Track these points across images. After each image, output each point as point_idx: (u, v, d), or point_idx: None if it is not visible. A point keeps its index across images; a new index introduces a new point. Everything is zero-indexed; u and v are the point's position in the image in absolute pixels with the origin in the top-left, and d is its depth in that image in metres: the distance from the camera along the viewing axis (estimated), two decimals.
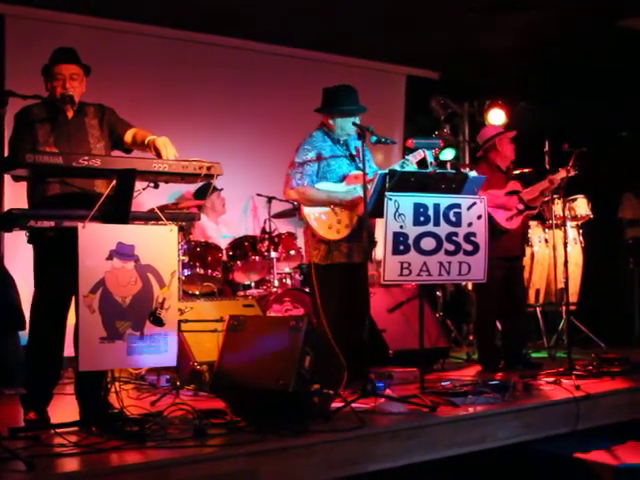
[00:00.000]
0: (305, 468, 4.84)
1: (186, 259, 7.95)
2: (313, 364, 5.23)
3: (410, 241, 5.91)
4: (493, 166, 7.99)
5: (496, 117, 11.03)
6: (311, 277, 6.68)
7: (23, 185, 5.46)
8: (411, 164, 6.61)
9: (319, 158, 6.61)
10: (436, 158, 6.70)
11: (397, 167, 6.49)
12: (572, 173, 7.93)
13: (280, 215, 9.32)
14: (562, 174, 7.97)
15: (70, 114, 5.56)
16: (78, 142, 5.50)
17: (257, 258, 8.45)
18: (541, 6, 9.19)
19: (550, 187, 8.11)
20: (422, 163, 6.65)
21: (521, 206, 7.87)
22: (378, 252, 6.57)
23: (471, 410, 5.76)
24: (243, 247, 8.47)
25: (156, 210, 5.15)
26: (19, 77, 8.32)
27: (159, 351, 5.02)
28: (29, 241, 5.33)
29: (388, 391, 5.97)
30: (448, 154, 10.82)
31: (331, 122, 6.67)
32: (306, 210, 6.62)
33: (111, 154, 5.62)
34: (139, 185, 5.09)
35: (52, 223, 4.93)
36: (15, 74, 8.58)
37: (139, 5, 9.00)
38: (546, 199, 8.65)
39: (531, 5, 9.14)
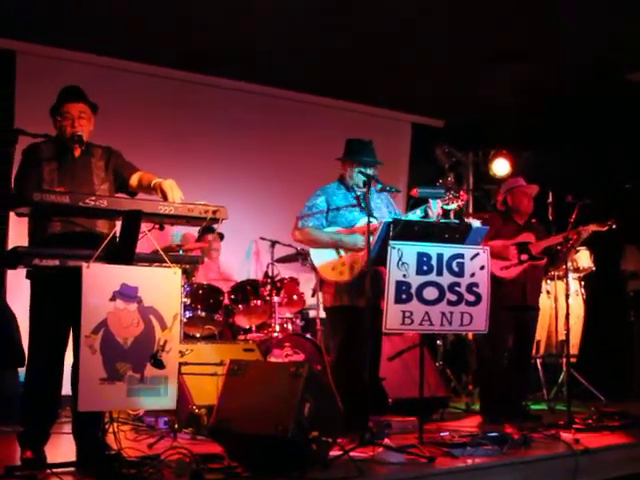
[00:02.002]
0: None
1: (188, 301, 7.96)
2: (313, 411, 5.20)
3: (413, 290, 5.91)
4: (506, 218, 8.01)
5: (500, 167, 11.07)
6: (326, 321, 6.76)
7: (24, 220, 5.46)
8: (416, 215, 6.62)
9: (329, 206, 6.66)
10: (446, 211, 6.71)
11: (417, 216, 6.53)
12: (604, 228, 7.97)
13: (283, 260, 9.32)
14: (593, 228, 7.98)
15: (77, 153, 5.59)
16: (82, 182, 5.52)
17: (259, 302, 8.46)
18: (544, 57, 9.27)
19: (579, 239, 8.06)
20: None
21: (524, 256, 7.86)
22: None
23: (470, 462, 5.72)
24: (245, 291, 8.48)
25: (160, 252, 5.15)
26: (28, 114, 8.37)
27: (159, 394, 5.00)
28: (28, 277, 5.34)
29: (387, 440, 5.92)
30: (459, 201, 10.82)
31: (353, 170, 6.68)
32: (313, 254, 6.66)
33: (115, 196, 5.64)
34: (144, 227, 5.10)
35: (57, 262, 4.92)
36: (24, 111, 8.65)
37: (149, 46, 9.10)
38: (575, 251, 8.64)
39: (531, 56, 9.22)
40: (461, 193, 6.82)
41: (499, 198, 8.22)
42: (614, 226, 8.01)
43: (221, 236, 9.43)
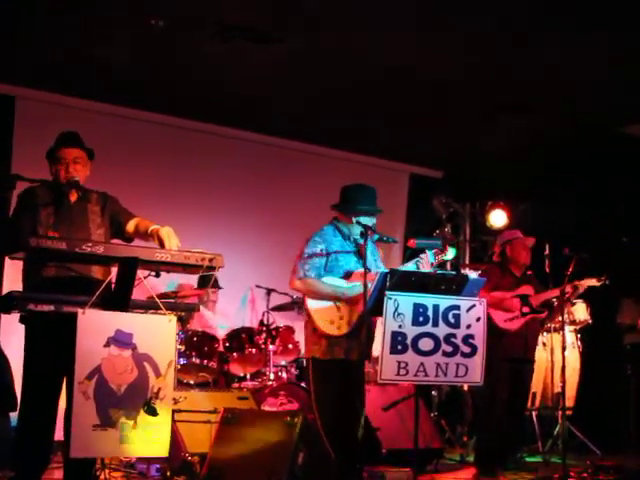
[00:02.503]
0: None
1: (182, 348, 7.93)
2: (306, 460, 5.18)
3: (408, 341, 5.88)
4: (504, 270, 8.03)
5: (497, 218, 11.11)
6: (308, 371, 6.61)
7: (18, 263, 5.45)
8: (423, 264, 6.60)
9: (328, 252, 6.57)
10: (443, 262, 6.70)
11: (413, 266, 6.51)
12: (599, 283, 8.01)
13: (279, 308, 9.31)
14: (588, 283, 8.03)
15: (73, 199, 5.60)
16: (78, 227, 5.52)
17: (254, 350, 8.43)
18: (542, 110, 9.33)
19: (576, 293, 8.12)
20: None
21: (526, 309, 7.87)
22: (376, 349, 6.52)
23: None
24: (240, 339, 8.47)
25: (156, 299, 5.14)
26: (26, 158, 8.40)
27: (152, 441, 4.97)
28: (21, 321, 5.32)
29: None
30: (449, 254, 10.81)
31: (353, 220, 6.61)
32: (309, 304, 6.53)
33: (110, 241, 5.64)
34: (140, 273, 5.09)
35: (52, 307, 4.91)
36: (22, 155, 8.69)
37: (148, 93, 9.16)
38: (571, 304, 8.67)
39: (530, 108, 9.28)
40: (445, 247, 6.80)
41: (496, 250, 8.25)
42: (607, 282, 8.04)
43: (218, 287, 9.41)
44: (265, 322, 8.81)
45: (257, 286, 9.55)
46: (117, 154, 8.93)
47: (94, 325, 4.82)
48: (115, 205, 5.79)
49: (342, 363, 6.38)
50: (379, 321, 6.29)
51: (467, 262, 11.93)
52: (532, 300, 7.95)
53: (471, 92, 9.03)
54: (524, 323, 7.89)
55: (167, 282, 8.75)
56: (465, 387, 10.60)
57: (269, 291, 9.26)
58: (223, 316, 9.63)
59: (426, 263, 6.61)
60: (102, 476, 5.35)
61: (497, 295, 7.73)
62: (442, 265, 6.76)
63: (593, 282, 8.08)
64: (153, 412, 4.93)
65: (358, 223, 6.42)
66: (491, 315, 7.61)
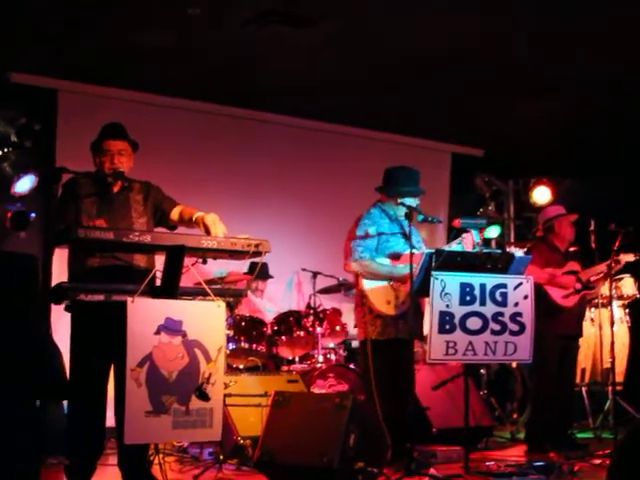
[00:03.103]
0: None
1: (231, 333, 7.96)
2: (358, 441, 5.20)
3: (456, 320, 5.91)
4: (551, 246, 7.98)
5: (541, 195, 11.03)
6: (365, 353, 6.69)
7: (63, 252, 5.51)
8: (466, 242, 6.61)
9: (379, 234, 6.64)
10: (486, 239, 6.69)
11: (459, 246, 6.53)
12: (634, 258, 7.99)
13: (325, 291, 9.33)
14: (629, 257, 7.99)
15: (116, 189, 5.65)
16: (121, 216, 5.57)
17: (302, 333, 8.45)
18: (587, 87, 9.25)
19: (617, 267, 8.10)
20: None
21: (578, 285, 7.85)
22: (425, 328, 6.55)
23: None
24: (288, 322, 8.48)
25: (204, 285, 5.19)
26: (69, 150, 8.48)
27: (204, 426, 5.02)
28: (67, 309, 5.39)
29: (432, 470, 5.92)
30: (493, 232, 10.78)
31: (395, 201, 6.66)
32: (365, 285, 6.62)
33: (153, 230, 5.69)
34: (187, 261, 5.14)
35: (102, 297, 4.98)
36: (65, 147, 8.73)
37: (189, 82, 9.18)
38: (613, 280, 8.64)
39: (576, 86, 9.21)
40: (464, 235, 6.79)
41: (541, 226, 8.18)
42: None
43: (269, 276, 9.45)
44: (312, 305, 8.84)
45: (303, 269, 9.57)
46: (159, 144, 8.96)
47: (144, 313, 4.86)
48: (158, 194, 5.83)
49: (397, 343, 6.44)
50: (427, 300, 6.33)
51: (512, 240, 11.88)
52: (581, 276, 7.93)
53: (513, 70, 8.97)
54: (578, 300, 7.89)
55: (216, 269, 8.80)
56: (514, 364, 10.58)
57: (315, 274, 9.27)
58: (270, 300, 9.66)
59: (469, 242, 6.62)
60: (156, 461, 5.40)
61: (550, 272, 7.72)
62: (487, 244, 6.76)
63: (630, 257, 8.05)
64: (205, 397, 4.97)
65: (402, 204, 6.45)
66: (549, 292, 7.62)
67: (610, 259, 7.98)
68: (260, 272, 8.99)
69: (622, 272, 9.22)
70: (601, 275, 8.11)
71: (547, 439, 7.78)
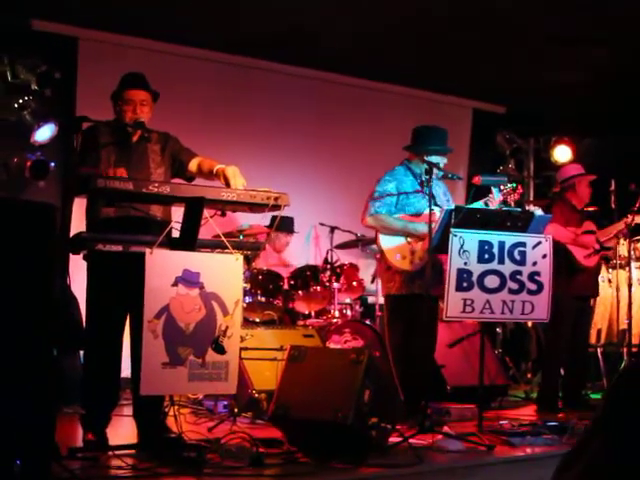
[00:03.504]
0: None
1: (248, 286, 7.95)
2: (372, 398, 5.20)
3: (474, 278, 5.89)
4: (569, 205, 7.93)
5: (562, 154, 10.97)
6: (385, 308, 6.75)
7: (81, 202, 5.49)
8: (492, 204, 6.60)
9: (399, 192, 6.65)
10: (505, 201, 6.66)
11: (479, 204, 6.54)
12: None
13: (343, 246, 9.32)
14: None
15: (135, 139, 5.63)
16: (138, 166, 5.55)
17: (318, 288, 8.43)
18: (609, 44, 9.15)
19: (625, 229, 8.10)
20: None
21: (597, 245, 7.82)
22: None
23: (529, 451, 5.71)
24: (305, 277, 8.45)
25: (222, 238, 5.18)
26: (89, 98, 8.45)
27: (220, 378, 5.04)
28: (85, 258, 5.39)
29: (446, 428, 5.92)
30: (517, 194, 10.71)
31: (421, 158, 6.65)
32: (382, 241, 6.65)
33: (171, 181, 5.67)
34: (206, 213, 5.13)
35: (120, 247, 4.97)
36: (85, 95, 8.71)
37: (211, 31, 9.12)
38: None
39: (598, 42, 9.10)
40: (518, 187, 6.79)
41: (560, 185, 8.11)
42: None
43: (293, 231, 9.44)
44: (329, 260, 8.83)
45: (321, 224, 9.55)
46: (179, 94, 8.91)
47: (162, 265, 4.87)
48: (176, 144, 5.81)
49: (416, 299, 6.45)
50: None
51: (531, 198, 11.83)
52: (598, 236, 7.90)
53: (535, 25, 8.87)
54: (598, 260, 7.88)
55: (238, 223, 8.80)
56: (530, 324, 10.56)
57: (333, 229, 9.25)
58: (287, 254, 9.65)
59: (494, 203, 6.62)
60: (170, 413, 5.43)
61: (574, 231, 7.69)
62: (506, 202, 6.73)
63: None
64: (221, 350, 4.98)
65: (424, 161, 6.43)
66: (572, 252, 7.60)
67: (623, 219, 7.96)
68: (285, 226, 9.05)
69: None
70: (613, 236, 8.09)
71: (559, 399, 7.80)
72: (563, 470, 2.35)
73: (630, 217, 8.02)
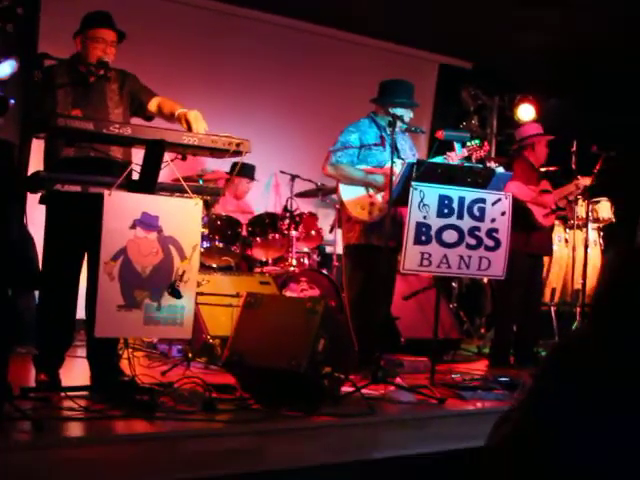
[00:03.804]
0: (310, 450, 4.84)
1: (206, 231, 7.91)
2: (327, 347, 5.22)
3: (432, 232, 5.91)
4: (528, 164, 7.96)
5: (525, 112, 10.98)
6: (343, 258, 6.80)
7: (39, 142, 5.43)
8: (450, 160, 6.63)
9: (362, 143, 6.66)
10: (469, 157, 6.68)
11: (440, 158, 6.56)
12: (591, 182, 8.04)
13: (303, 195, 9.31)
14: (587, 181, 8.05)
15: (92, 78, 5.55)
16: (96, 106, 5.48)
17: (277, 236, 8.42)
18: (578, 6, 9.13)
19: (576, 192, 8.18)
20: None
21: (554, 205, 7.87)
22: None
23: (479, 405, 5.77)
24: (263, 224, 8.44)
25: (182, 182, 5.15)
26: (51, 36, 8.31)
27: (175, 323, 5.03)
28: (41, 202, 5.34)
29: (398, 380, 5.98)
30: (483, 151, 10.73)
31: (390, 112, 6.63)
32: (342, 191, 6.67)
33: (130, 121, 5.61)
34: (167, 156, 5.09)
35: (78, 188, 4.93)
36: (48, 33, 8.54)
37: None
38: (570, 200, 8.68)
39: (567, 4, 9.08)
40: (484, 144, 6.83)
41: (521, 143, 8.12)
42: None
43: (253, 178, 9.41)
44: (289, 208, 8.81)
45: (281, 172, 9.53)
46: (142, 35, 8.76)
47: (120, 207, 4.83)
48: (135, 83, 5.73)
49: (374, 250, 6.47)
50: None
51: (493, 155, 11.85)
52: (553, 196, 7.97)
53: None
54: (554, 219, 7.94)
55: (201, 167, 8.76)
56: (485, 280, 10.63)
57: (293, 177, 9.24)
58: (246, 201, 9.61)
59: (453, 160, 6.64)
60: (124, 355, 5.42)
61: (533, 189, 7.73)
62: (470, 158, 6.75)
63: (587, 181, 8.13)
64: (177, 294, 4.97)
65: (391, 115, 6.42)
66: (532, 210, 7.65)
67: (574, 181, 8.05)
68: (247, 172, 9.03)
69: (599, 194, 9.25)
70: (568, 195, 8.16)
71: (511, 355, 7.88)
72: (500, 424, 2.52)
73: (580, 179, 8.10)
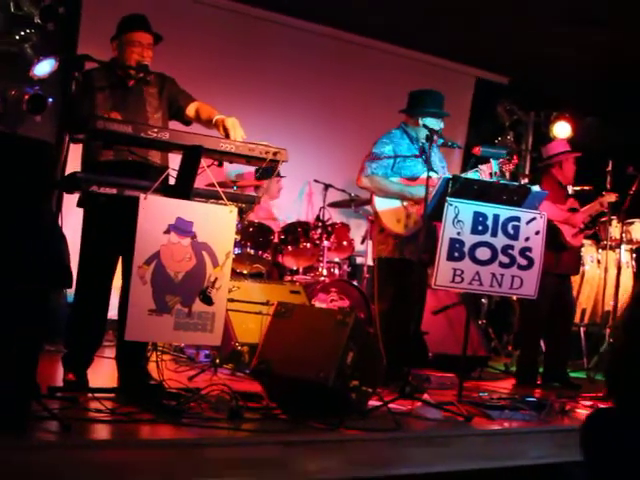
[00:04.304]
0: (335, 464, 4.83)
1: (238, 238, 7.91)
2: (355, 360, 5.21)
3: (466, 249, 5.88)
4: (555, 182, 7.91)
5: (561, 130, 10.94)
6: (374, 271, 6.78)
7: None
8: (474, 173, 6.60)
9: (396, 154, 6.63)
10: (502, 171, 6.65)
11: (475, 174, 6.52)
12: (614, 199, 7.98)
13: (336, 205, 9.31)
14: (610, 198, 7.98)
15: (131, 82, 5.57)
16: (135, 110, 5.51)
17: (308, 245, 8.42)
18: (618, 26, 9.08)
19: (600, 210, 8.12)
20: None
21: (582, 225, 7.82)
22: None
23: (506, 425, 5.72)
24: (296, 232, 8.45)
25: (218, 190, 5.14)
26: (91, 36, 8.37)
27: (205, 329, 5.02)
28: (79, 205, 5.37)
29: (426, 396, 5.93)
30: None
31: (420, 122, 6.63)
32: (377, 203, 6.66)
33: (168, 125, 5.62)
34: (203, 162, 5.09)
35: (114, 190, 4.92)
36: (88, 34, 8.61)
37: None
38: (603, 220, 8.63)
39: (606, 23, 9.04)
40: (514, 157, 6.80)
41: (549, 161, 8.06)
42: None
43: (280, 175, 9.39)
44: (321, 218, 8.81)
45: (315, 181, 9.53)
46: (181, 39, 8.79)
47: (155, 211, 4.83)
48: (173, 87, 5.76)
49: (407, 264, 6.45)
50: None
51: (527, 172, 11.80)
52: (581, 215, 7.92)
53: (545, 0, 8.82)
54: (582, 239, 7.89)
55: (228, 170, 8.75)
56: (514, 297, 10.57)
57: (327, 186, 9.24)
58: (279, 209, 9.61)
59: (486, 173, 6.61)
60: (152, 358, 5.42)
61: (562, 208, 7.68)
62: (501, 171, 6.73)
63: (612, 198, 8.06)
64: (209, 301, 4.97)
65: (425, 127, 6.42)
66: (562, 230, 7.60)
67: (598, 199, 8.00)
68: (271, 170, 9.01)
69: (634, 215, 9.18)
70: (587, 215, 8.10)
71: (539, 375, 7.83)
72: None
73: (605, 195, 8.04)
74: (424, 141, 6.49)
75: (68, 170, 4.95)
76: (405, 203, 6.59)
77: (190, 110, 5.70)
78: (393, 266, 6.66)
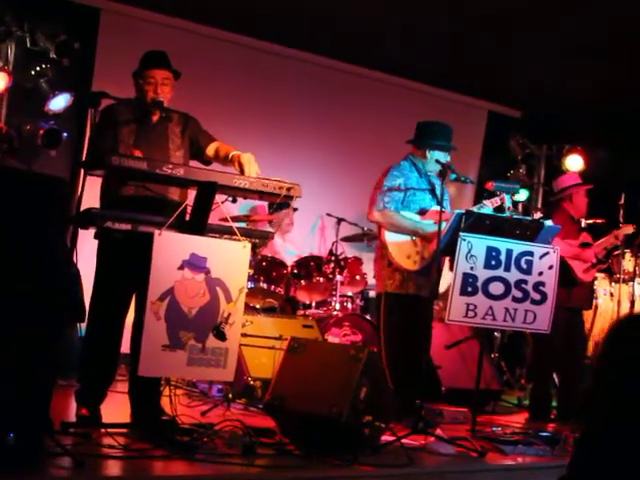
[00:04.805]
0: None
1: (251, 272, 7.92)
2: (368, 395, 5.20)
3: (479, 283, 5.88)
4: (567, 216, 7.90)
5: (574, 163, 10.94)
6: (380, 306, 6.69)
7: (94, 179, 5.46)
8: (488, 208, 6.60)
9: (406, 187, 6.61)
10: (514, 203, 6.65)
11: (474, 209, 6.50)
12: (631, 231, 7.94)
13: (349, 239, 9.31)
14: (627, 230, 7.96)
15: (155, 119, 5.62)
16: (158, 147, 5.55)
17: (321, 279, 8.43)
18: (628, 57, 9.11)
19: (615, 243, 8.09)
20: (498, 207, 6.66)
21: (594, 259, 7.80)
22: (442, 286, 6.53)
23: (520, 460, 5.70)
24: (309, 267, 8.45)
25: (232, 226, 5.16)
26: (107, 73, 8.42)
27: (218, 365, 5.03)
28: (96, 236, 5.38)
29: (439, 431, 5.92)
30: (521, 195, 10.72)
31: (427, 154, 6.64)
32: (387, 237, 6.60)
33: (189, 163, 5.66)
34: (217, 198, 5.11)
35: (129, 226, 4.95)
36: (104, 69, 8.65)
37: (231, 13, 9.05)
38: (616, 253, 8.62)
39: (614, 54, 9.06)
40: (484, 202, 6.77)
41: (560, 195, 8.05)
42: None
43: (293, 209, 9.41)
44: (334, 252, 8.81)
45: (328, 214, 9.53)
46: (197, 73, 8.84)
47: (169, 247, 4.85)
48: (196, 127, 5.80)
49: (414, 299, 6.45)
50: (447, 258, 6.32)
51: (539, 205, 11.80)
52: (593, 249, 7.89)
53: (556, 33, 8.83)
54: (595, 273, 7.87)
55: (241, 204, 8.78)
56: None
57: (339, 220, 9.24)
58: (292, 243, 9.62)
59: (491, 205, 6.62)
60: (165, 393, 5.42)
61: (572, 243, 7.66)
62: (514, 208, 6.73)
63: (629, 230, 8.04)
64: (222, 337, 4.98)
65: (437, 162, 6.42)
66: (572, 265, 7.58)
67: (613, 232, 7.98)
68: (284, 205, 9.03)
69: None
70: (602, 248, 8.07)
71: (552, 409, 7.80)
72: None
73: (622, 227, 8.03)
74: (432, 175, 6.49)
75: (89, 202, 4.97)
76: (415, 238, 6.56)
77: (210, 150, 5.72)
78: (400, 301, 6.61)
